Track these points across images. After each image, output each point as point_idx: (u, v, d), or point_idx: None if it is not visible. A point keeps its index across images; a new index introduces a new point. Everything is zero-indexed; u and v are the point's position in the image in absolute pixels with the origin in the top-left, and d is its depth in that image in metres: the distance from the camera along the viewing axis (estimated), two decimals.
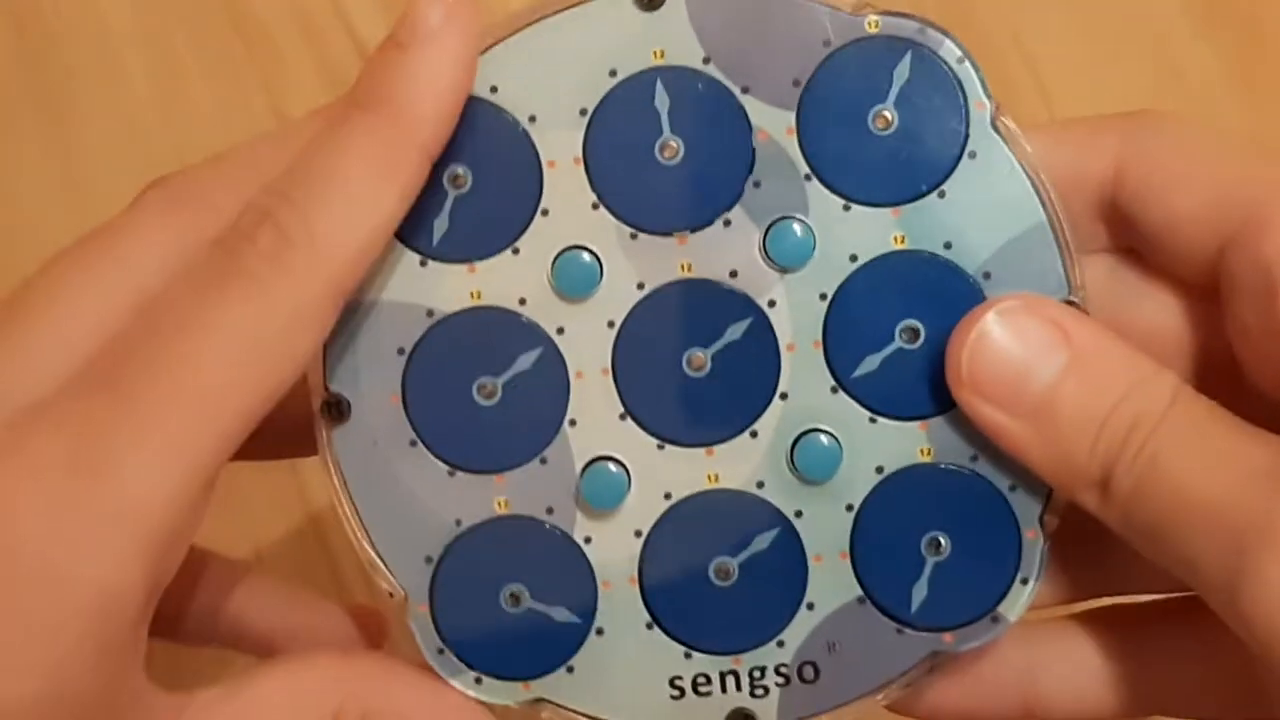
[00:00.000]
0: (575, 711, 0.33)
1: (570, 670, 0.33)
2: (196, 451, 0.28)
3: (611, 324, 0.32)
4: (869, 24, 0.32)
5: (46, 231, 0.47)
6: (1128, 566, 0.34)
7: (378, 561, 0.33)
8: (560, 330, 0.32)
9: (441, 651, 0.33)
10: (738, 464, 0.33)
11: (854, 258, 0.32)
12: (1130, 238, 0.34)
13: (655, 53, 0.32)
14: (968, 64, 0.32)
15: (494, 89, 0.32)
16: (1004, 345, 0.31)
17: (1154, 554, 0.30)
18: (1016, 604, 0.32)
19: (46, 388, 0.29)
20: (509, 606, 0.33)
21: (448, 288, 0.32)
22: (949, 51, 0.31)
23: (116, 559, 0.28)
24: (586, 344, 0.32)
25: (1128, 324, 0.34)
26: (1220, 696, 0.33)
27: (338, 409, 0.33)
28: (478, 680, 0.33)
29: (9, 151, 0.52)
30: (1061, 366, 0.30)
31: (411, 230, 0.32)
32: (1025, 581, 0.32)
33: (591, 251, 0.32)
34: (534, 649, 0.33)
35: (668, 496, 0.33)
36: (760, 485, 0.33)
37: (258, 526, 0.50)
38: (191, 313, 0.28)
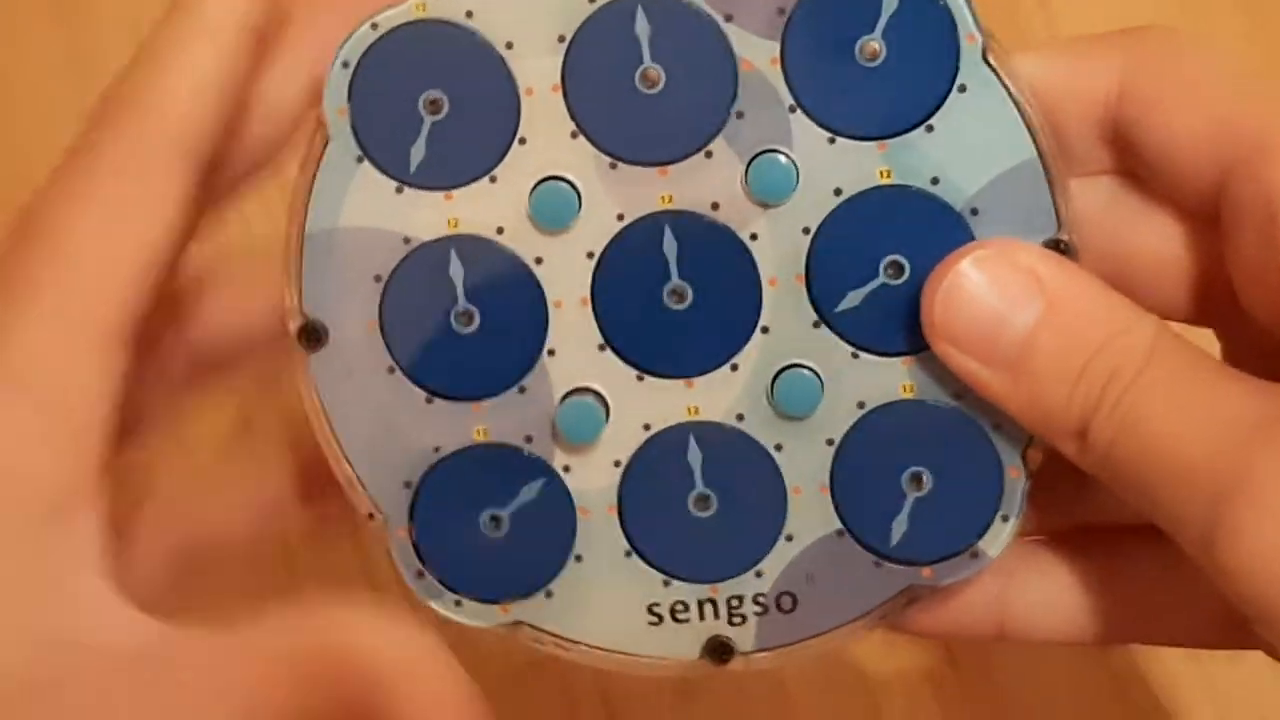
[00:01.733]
0: (553, 635, 0.34)
1: (549, 595, 0.34)
2: (86, 311, 0.30)
3: (591, 255, 0.33)
4: None
5: (55, 134, 0.47)
6: (1107, 497, 0.34)
7: (357, 484, 0.33)
8: (539, 260, 0.33)
9: (421, 574, 0.34)
10: (718, 396, 0.33)
11: (839, 191, 0.32)
12: (1132, 161, 0.33)
13: None
14: None
15: (469, 13, 0.32)
16: (978, 294, 0.31)
17: (1133, 501, 0.31)
18: (997, 540, 0.33)
19: None
20: (488, 531, 0.34)
21: (424, 215, 0.33)
22: None
23: (19, 435, 0.30)
24: (565, 274, 0.33)
25: (1127, 249, 0.34)
26: (1193, 622, 0.34)
27: (314, 334, 0.33)
28: (457, 603, 0.34)
29: (21, 56, 0.52)
30: (1036, 316, 0.31)
31: (388, 157, 0.33)
32: (1006, 518, 0.33)
33: (570, 182, 0.32)
34: (513, 573, 0.34)
35: (647, 427, 0.33)
36: (740, 418, 0.33)
37: None
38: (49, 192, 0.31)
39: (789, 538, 0.34)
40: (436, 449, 0.34)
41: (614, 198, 0.32)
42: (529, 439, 0.34)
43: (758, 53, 0.32)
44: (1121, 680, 0.49)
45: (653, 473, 0.34)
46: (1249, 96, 0.32)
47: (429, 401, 0.33)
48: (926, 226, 0.32)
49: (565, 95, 0.32)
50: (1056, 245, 0.32)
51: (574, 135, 0.32)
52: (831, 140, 0.32)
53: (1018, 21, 0.51)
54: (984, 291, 0.31)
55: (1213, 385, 0.30)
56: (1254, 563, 0.29)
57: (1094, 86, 0.33)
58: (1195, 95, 0.32)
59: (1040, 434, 0.32)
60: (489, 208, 0.33)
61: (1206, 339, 0.35)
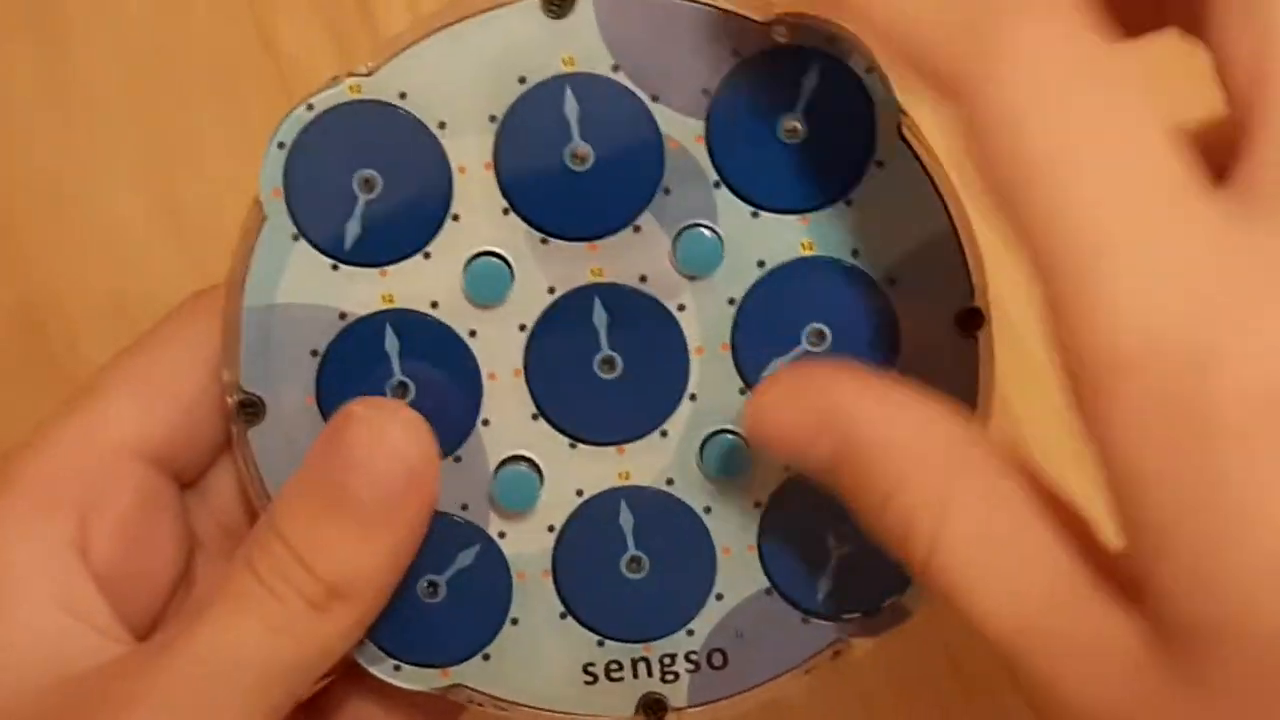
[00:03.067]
0: (491, 696, 0.35)
1: (486, 658, 0.35)
2: None
3: (523, 327, 0.34)
4: (778, 34, 0.33)
5: (38, 151, 0.48)
6: None
7: None
8: (473, 333, 0.34)
9: (361, 642, 0.35)
10: (648, 462, 0.35)
11: (762, 263, 0.34)
12: None
13: (564, 59, 0.33)
14: (875, 74, 0.33)
15: (403, 95, 0.33)
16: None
17: None
18: (919, 595, 0.35)
19: None
20: (426, 597, 0.35)
21: (360, 291, 0.34)
22: (857, 62, 0.33)
23: None
24: (499, 346, 0.34)
25: None
26: None
27: (253, 409, 0.34)
28: (396, 668, 0.35)
29: (2, 71, 0.53)
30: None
31: (323, 234, 0.34)
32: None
33: (503, 257, 0.34)
34: (450, 637, 0.36)
35: (580, 493, 0.35)
36: (670, 482, 0.35)
37: None
38: None
39: (719, 596, 0.35)
40: None
41: (545, 272, 0.34)
42: (464, 506, 0.35)
43: (683, 131, 0.33)
44: None
45: (586, 537, 0.35)
46: None
47: None
48: (847, 296, 0.34)
49: (497, 173, 0.34)
50: (971, 313, 0.34)
51: (505, 212, 0.34)
52: (755, 214, 0.34)
53: None
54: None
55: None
56: None
57: None
58: None
59: None
60: (423, 283, 0.34)
61: None
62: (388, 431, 0.32)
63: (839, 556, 0.35)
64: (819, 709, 0.52)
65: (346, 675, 0.38)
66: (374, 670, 0.36)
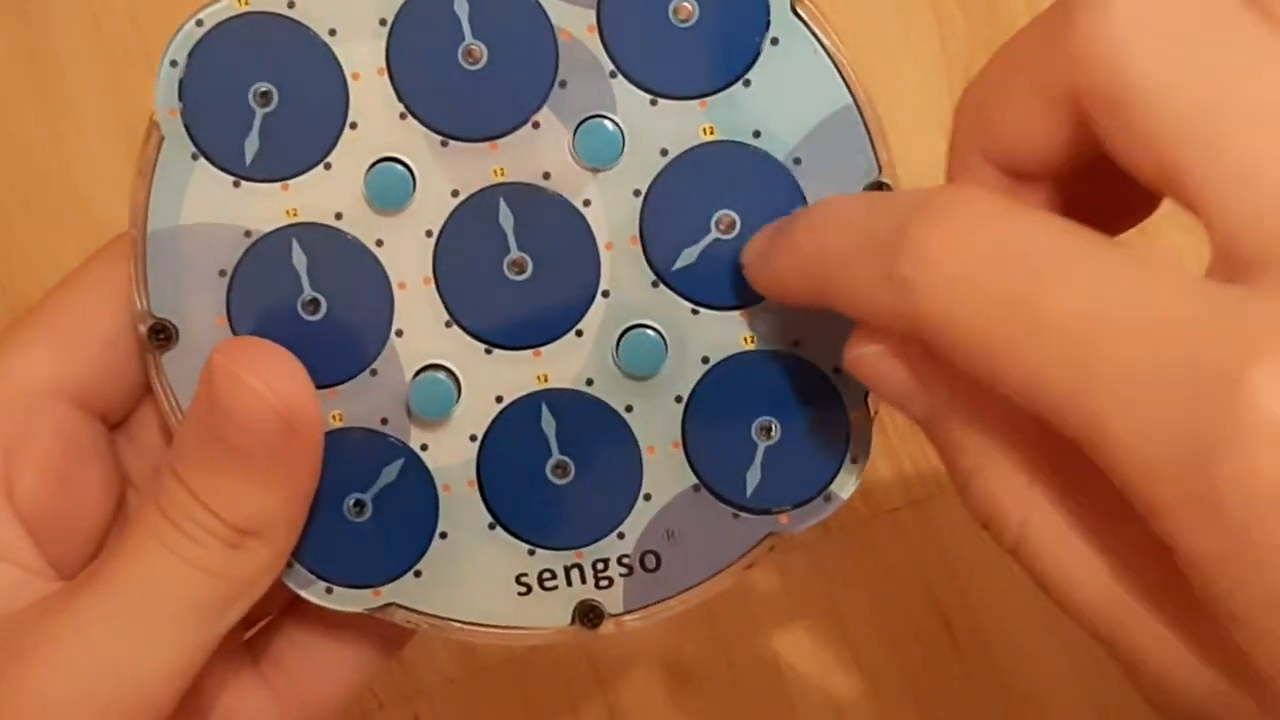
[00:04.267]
0: (425, 614, 0.35)
1: (418, 575, 0.35)
2: None
3: (430, 233, 0.34)
4: None
5: (16, 132, 0.48)
6: None
7: None
8: (379, 242, 0.34)
9: (290, 565, 0.35)
10: (566, 363, 0.35)
11: (665, 152, 0.34)
12: None
13: None
14: None
15: (291, 4, 0.34)
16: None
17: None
18: (848, 482, 0.35)
19: None
20: (353, 516, 0.35)
21: (263, 207, 0.34)
22: None
23: None
24: (407, 254, 0.34)
25: None
26: None
27: (164, 334, 0.35)
28: (328, 590, 0.36)
29: None
30: None
31: (222, 152, 0.34)
32: (855, 460, 0.34)
33: (403, 162, 0.34)
34: (380, 555, 0.36)
35: (499, 400, 0.35)
36: (589, 383, 0.35)
37: None
38: None
39: (647, 497, 0.35)
40: None
41: (448, 175, 0.34)
42: (384, 421, 0.35)
43: (575, 22, 0.34)
44: None
45: (509, 444, 0.35)
46: None
47: None
48: (753, 179, 0.34)
49: (391, 77, 0.34)
50: (878, 187, 0.34)
51: (403, 116, 0.34)
52: (654, 102, 0.34)
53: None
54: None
55: None
56: None
57: None
58: None
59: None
60: (326, 194, 0.34)
61: None
62: (249, 381, 0.32)
63: (766, 448, 0.35)
64: (813, 664, 0.52)
65: (286, 608, 0.38)
66: (305, 594, 0.36)
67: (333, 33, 0.34)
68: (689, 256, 0.34)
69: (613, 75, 0.34)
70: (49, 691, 0.32)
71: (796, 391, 0.35)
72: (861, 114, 0.34)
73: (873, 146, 0.34)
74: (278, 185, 0.34)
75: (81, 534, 0.36)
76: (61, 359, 0.36)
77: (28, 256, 0.53)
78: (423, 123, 0.34)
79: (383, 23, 0.34)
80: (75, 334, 0.36)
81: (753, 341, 0.34)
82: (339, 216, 0.34)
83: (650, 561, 0.36)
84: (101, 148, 0.52)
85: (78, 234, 0.53)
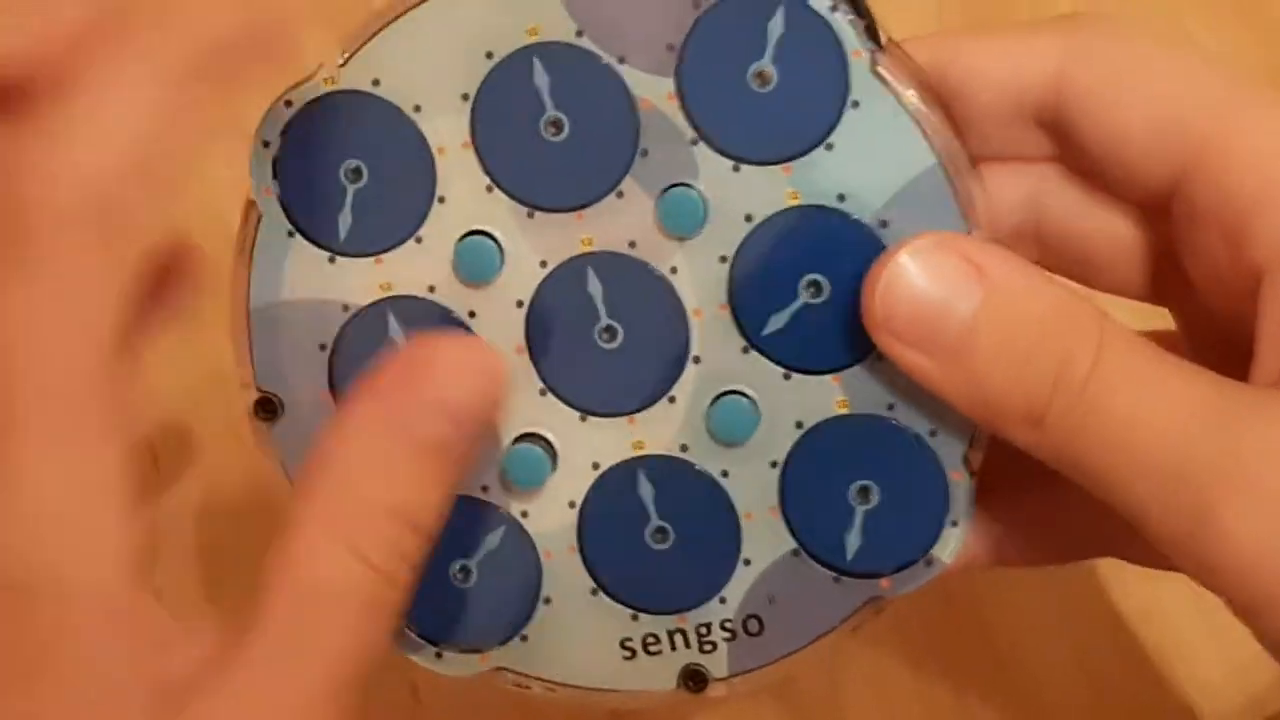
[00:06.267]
0: (534, 677, 0.36)
1: (524, 639, 0.36)
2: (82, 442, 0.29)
3: (520, 303, 0.35)
4: None
5: None
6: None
7: None
8: (472, 313, 0.35)
9: (400, 631, 0.36)
10: (660, 430, 0.35)
11: (749, 218, 0.34)
12: (1074, 152, 0.34)
13: (529, 30, 0.34)
14: (840, 12, 0.33)
15: (376, 82, 0.35)
16: (918, 285, 0.32)
17: (1094, 491, 0.32)
18: (949, 546, 0.35)
19: None
20: (458, 582, 0.36)
21: (358, 281, 0.35)
22: (819, 2, 0.33)
23: None
24: (498, 325, 0.35)
25: (1080, 229, 0.35)
26: None
27: (270, 407, 0.36)
28: (438, 655, 0.37)
29: None
30: (976, 303, 0.32)
31: (318, 228, 0.35)
32: (955, 523, 0.34)
33: (491, 235, 0.35)
34: (487, 621, 0.37)
35: (596, 466, 0.35)
36: (684, 449, 0.35)
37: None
38: None
39: (747, 561, 0.35)
40: None
41: (535, 246, 0.35)
42: (485, 489, 0.36)
43: (654, 90, 0.34)
44: (1115, 616, 0.50)
45: (607, 510, 0.36)
46: (1201, 89, 0.33)
47: None
48: (839, 243, 0.34)
49: (476, 150, 0.35)
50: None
51: (489, 189, 0.35)
52: (736, 168, 0.34)
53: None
54: (924, 282, 0.32)
55: (1169, 375, 0.31)
56: (1244, 560, 0.30)
57: (1031, 74, 0.34)
58: (1141, 88, 0.33)
59: (987, 423, 0.33)
60: (418, 268, 0.35)
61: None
62: (477, 348, 0.33)
63: (864, 512, 0.35)
64: None
65: None
66: (416, 658, 0.37)
67: (417, 109, 0.35)
68: (778, 321, 0.34)
69: (694, 143, 0.34)
70: None
71: (892, 455, 0.35)
72: (947, 173, 0.33)
73: (959, 206, 0.33)
74: (371, 260, 0.35)
75: None
76: None
77: None
78: (509, 194, 0.35)
79: (465, 97, 0.34)
80: None
81: (846, 406, 0.35)
82: (431, 289, 0.35)
83: (753, 626, 0.36)
84: None
85: None
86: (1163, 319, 0.37)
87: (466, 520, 0.36)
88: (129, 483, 0.29)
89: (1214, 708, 0.49)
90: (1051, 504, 0.37)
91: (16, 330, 0.28)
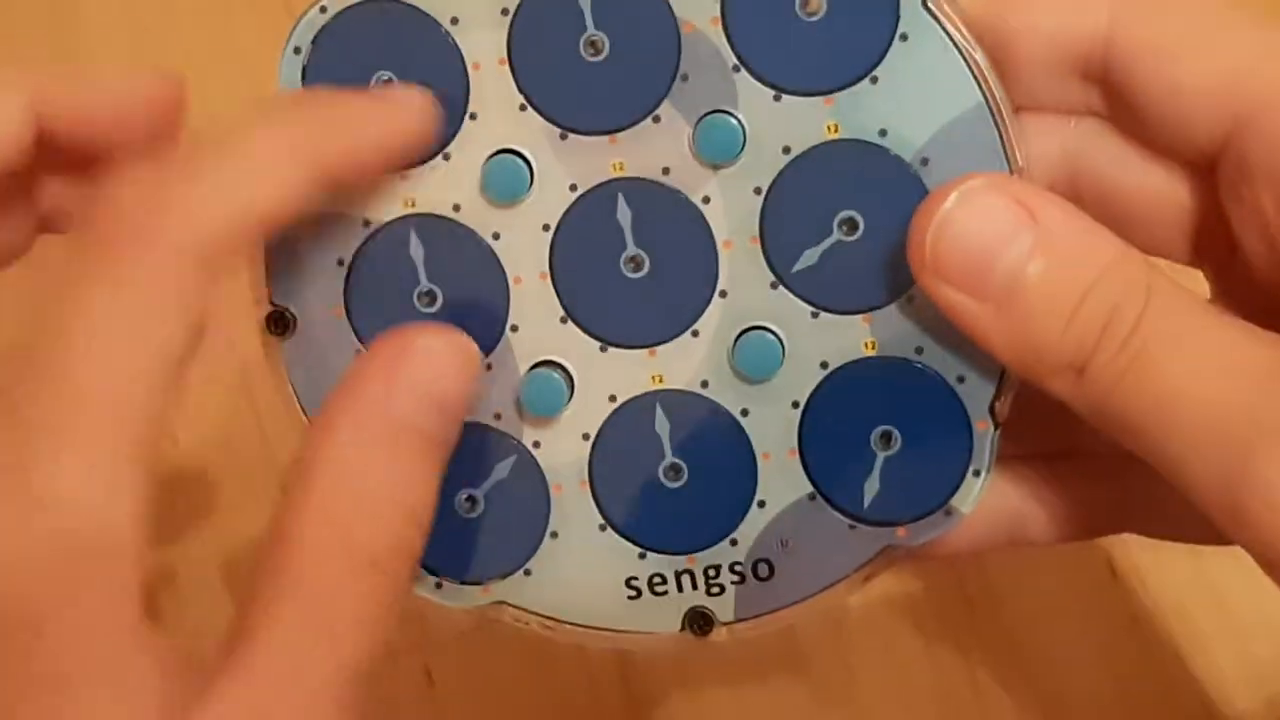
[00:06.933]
0: (534, 613, 0.36)
1: (528, 573, 0.36)
2: (114, 449, 0.29)
3: (547, 227, 0.34)
4: None
5: None
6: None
7: None
8: (496, 235, 0.34)
9: None
10: (681, 364, 0.35)
11: (787, 149, 0.33)
12: (1122, 105, 0.34)
13: None
14: None
15: None
16: (968, 227, 0.32)
17: (1130, 445, 0.32)
18: (969, 496, 0.34)
19: None
20: (464, 512, 0.35)
21: (381, 196, 0.35)
22: None
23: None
24: (523, 248, 0.35)
25: (1118, 186, 0.35)
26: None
27: (283, 321, 0.35)
28: (437, 585, 0.36)
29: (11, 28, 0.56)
30: (1028, 247, 0.31)
31: None
32: (978, 473, 0.34)
33: (522, 154, 0.34)
34: (491, 553, 0.36)
35: (613, 399, 0.35)
36: (705, 385, 0.35)
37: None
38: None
39: (761, 504, 0.35)
40: None
41: (566, 168, 0.34)
42: (498, 416, 0.35)
43: (698, 14, 0.33)
44: (1135, 612, 0.50)
45: (622, 444, 0.35)
46: (1255, 47, 0.33)
47: None
48: (878, 180, 0.33)
49: (512, 68, 0.34)
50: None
51: (523, 108, 0.34)
52: (777, 98, 0.33)
53: None
54: (974, 223, 0.31)
55: (1217, 329, 0.31)
56: (1278, 510, 0.29)
57: (1080, 26, 0.34)
58: (1197, 42, 0.33)
59: (1028, 371, 0.32)
60: (444, 185, 0.35)
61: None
62: (452, 338, 0.33)
63: (885, 458, 0.34)
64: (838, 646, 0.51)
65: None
66: (415, 588, 0.36)
67: (455, 21, 0.34)
68: (810, 258, 0.34)
69: (736, 69, 0.34)
70: None
71: (918, 400, 0.34)
72: (993, 113, 0.33)
73: (1004, 147, 0.33)
74: (396, 174, 0.35)
75: None
76: None
77: None
78: (542, 115, 0.34)
79: (505, 12, 0.34)
80: None
81: (874, 348, 0.34)
82: (457, 208, 0.35)
83: (763, 570, 0.35)
84: None
85: None
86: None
87: (477, 448, 0.36)
88: (146, 508, 0.29)
89: (1234, 710, 0.49)
90: (1072, 475, 0.37)
91: (86, 330, 0.29)
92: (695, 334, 0.35)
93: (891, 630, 0.51)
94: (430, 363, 0.32)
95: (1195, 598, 0.50)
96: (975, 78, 0.33)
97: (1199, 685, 0.50)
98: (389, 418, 0.31)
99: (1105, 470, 0.36)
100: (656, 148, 0.34)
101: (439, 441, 0.32)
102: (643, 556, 0.36)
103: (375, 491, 0.31)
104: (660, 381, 0.35)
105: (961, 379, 0.34)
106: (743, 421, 0.35)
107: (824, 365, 0.34)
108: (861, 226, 0.34)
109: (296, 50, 0.35)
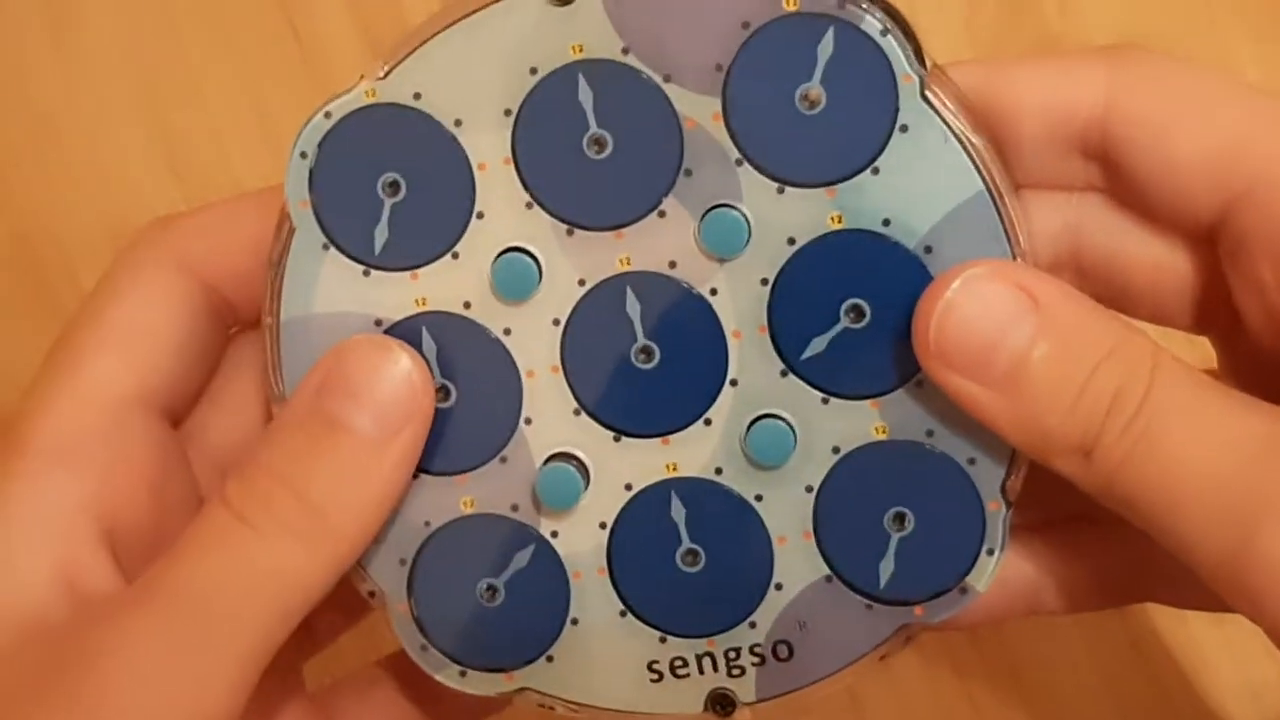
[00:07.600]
0: (558, 698, 0.36)
1: (550, 659, 0.36)
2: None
3: (557, 322, 0.35)
4: (787, 2, 0.33)
5: (33, 84, 0.54)
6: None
7: (356, 563, 0.36)
8: (507, 331, 0.35)
9: (424, 648, 0.36)
10: (694, 452, 0.35)
11: (792, 240, 0.34)
12: (1121, 180, 0.35)
13: (574, 47, 0.34)
14: (891, 36, 0.33)
15: (417, 95, 0.34)
16: (970, 313, 0.32)
17: (1138, 522, 0.32)
18: (984, 574, 0.35)
19: None
20: (485, 600, 0.36)
21: (392, 296, 0.35)
22: (871, 25, 0.33)
23: None
24: (534, 343, 0.35)
25: (1123, 260, 0.35)
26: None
27: None
28: (462, 673, 0.37)
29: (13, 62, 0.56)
30: (1031, 332, 0.32)
31: (352, 241, 0.35)
32: (991, 552, 0.35)
33: (529, 252, 0.35)
34: (513, 640, 0.37)
35: (628, 487, 0.35)
36: (719, 471, 0.35)
37: None
38: None
39: (778, 586, 0.35)
40: (427, 523, 0.36)
41: (574, 264, 0.35)
42: (515, 507, 0.36)
43: (700, 110, 0.34)
44: (1141, 645, 0.51)
45: (639, 531, 0.36)
46: (1252, 120, 0.33)
47: (415, 477, 0.36)
48: (882, 268, 0.34)
49: (517, 167, 0.35)
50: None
51: (529, 205, 0.35)
52: (780, 190, 0.34)
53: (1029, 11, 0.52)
54: (977, 310, 0.32)
55: (1220, 405, 0.31)
56: None
57: (1078, 102, 0.34)
58: (1193, 118, 0.34)
59: (1036, 454, 0.33)
60: (454, 283, 0.35)
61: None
62: (390, 347, 0.34)
63: (899, 539, 0.35)
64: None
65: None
66: (440, 677, 0.37)
67: (458, 123, 0.35)
68: (818, 345, 0.34)
69: (739, 163, 0.34)
70: (104, 712, 0.32)
71: (930, 482, 0.35)
72: (994, 199, 0.33)
73: (1006, 234, 0.33)
74: (407, 274, 0.35)
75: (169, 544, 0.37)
76: (136, 369, 0.36)
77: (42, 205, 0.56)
78: (548, 212, 0.35)
79: (507, 113, 0.34)
80: (141, 343, 0.37)
81: (884, 431, 0.35)
82: (467, 305, 0.35)
83: (783, 651, 0.36)
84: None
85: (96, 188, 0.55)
86: (1197, 348, 0.37)
87: (495, 539, 0.36)
88: None
89: None
90: (1089, 547, 0.37)
91: None
92: (708, 422, 0.35)
93: (900, 668, 0.51)
94: (348, 355, 0.34)
95: (1195, 617, 0.50)
96: (975, 165, 0.33)
97: (1199, 705, 0.50)
98: (295, 400, 0.35)
99: (1121, 539, 0.36)
100: (662, 242, 0.35)
101: (343, 426, 0.34)
102: (663, 640, 0.36)
103: (263, 461, 0.34)
104: (675, 469, 0.36)
105: (973, 460, 0.34)
106: (757, 506, 0.35)
107: (836, 450, 0.35)
108: (868, 313, 0.34)
109: (303, 155, 0.35)
